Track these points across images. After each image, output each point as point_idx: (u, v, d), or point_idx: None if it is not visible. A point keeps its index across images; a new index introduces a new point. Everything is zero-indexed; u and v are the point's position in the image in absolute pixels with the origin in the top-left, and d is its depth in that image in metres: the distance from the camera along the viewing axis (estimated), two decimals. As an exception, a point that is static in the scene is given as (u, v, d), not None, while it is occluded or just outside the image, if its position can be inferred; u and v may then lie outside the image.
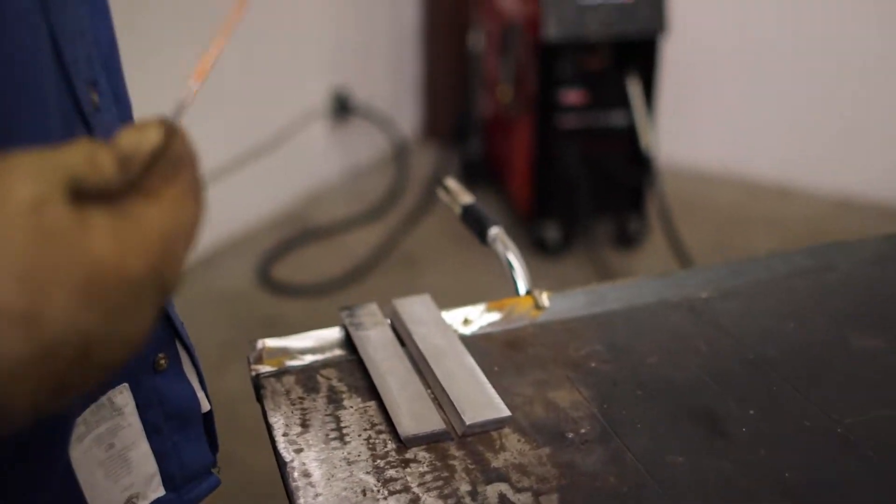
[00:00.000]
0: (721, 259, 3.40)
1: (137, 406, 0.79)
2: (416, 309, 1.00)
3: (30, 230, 0.43)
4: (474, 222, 1.16)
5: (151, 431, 0.81)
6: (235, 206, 3.43)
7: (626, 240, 3.51)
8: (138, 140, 0.49)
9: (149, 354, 0.80)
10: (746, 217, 3.90)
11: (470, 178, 4.02)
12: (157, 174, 0.49)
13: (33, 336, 0.42)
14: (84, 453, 0.75)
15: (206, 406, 0.88)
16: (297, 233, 3.64)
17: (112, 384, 0.77)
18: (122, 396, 0.78)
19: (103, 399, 0.76)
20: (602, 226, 3.60)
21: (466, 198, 1.20)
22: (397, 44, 4.44)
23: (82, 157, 0.47)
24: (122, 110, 0.76)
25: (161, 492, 0.83)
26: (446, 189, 1.24)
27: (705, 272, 1.12)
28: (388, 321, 0.99)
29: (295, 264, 3.46)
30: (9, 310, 0.42)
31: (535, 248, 3.45)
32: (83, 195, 0.45)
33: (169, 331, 0.83)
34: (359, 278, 3.32)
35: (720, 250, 3.57)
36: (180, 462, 0.84)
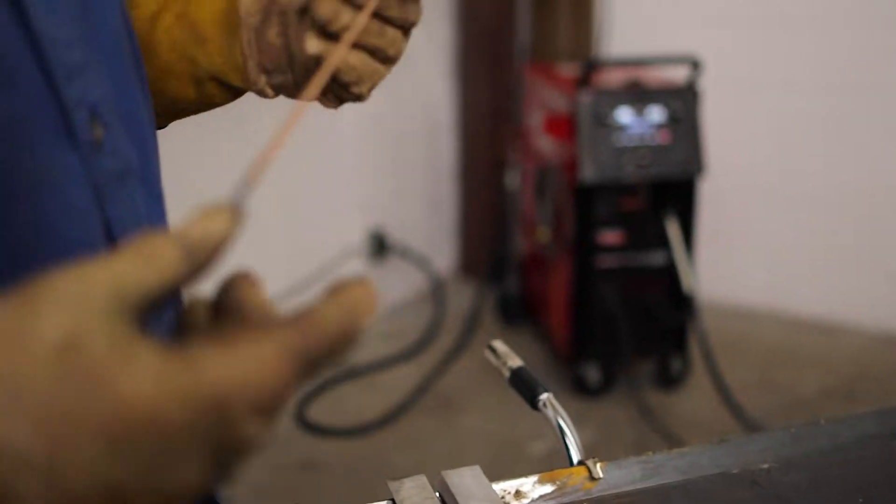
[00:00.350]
0: (765, 398, 3.34)
1: None
2: (466, 482, 0.96)
3: (57, 371, 0.39)
4: (523, 387, 1.14)
5: None
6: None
7: (669, 380, 3.45)
8: (205, 228, 0.45)
9: None
10: (791, 354, 3.83)
11: (507, 316, 4.00)
12: (242, 321, 0.46)
13: (54, 484, 0.39)
14: None
15: None
16: (333, 372, 3.61)
17: None
18: None
19: None
20: (643, 365, 3.55)
21: (515, 361, 1.17)
22: (434, 182, 4.49)
23: (136, 262, 0.42)
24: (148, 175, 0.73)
25: None
26: (494, 351, 1.21)
27: (765, 439, 1.07)
28: (437, 494, 0.95)
29: (332, 404, 3.43)
30: (27, 456, 0.38)
31: (575, 388, 3.40)
32: (136, 309, 0.42)
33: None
34: (396, 419, 3.28)
35: (765, 389, 3.50)
36: None
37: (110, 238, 0.65)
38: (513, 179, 3.99)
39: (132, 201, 0.69)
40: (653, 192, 3.33)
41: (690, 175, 3.24)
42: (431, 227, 4.51)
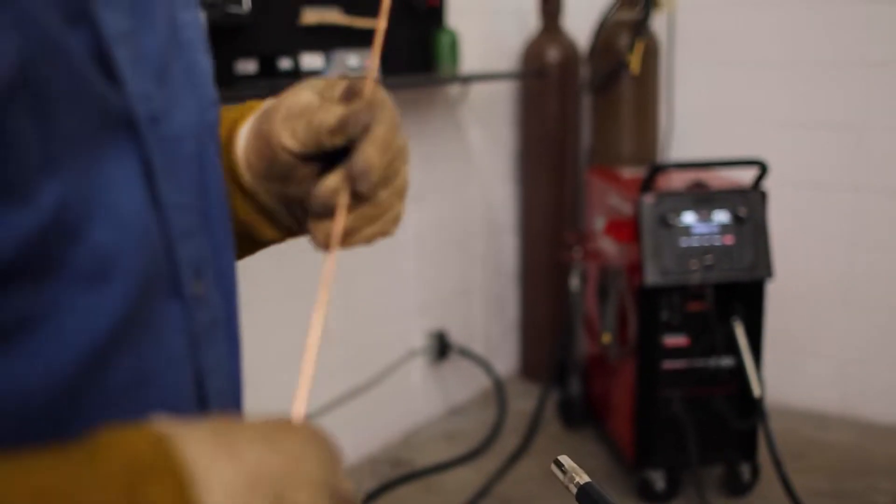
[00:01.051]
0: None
1: None
2: None
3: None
4: (591, 503, 1.11)
5: None
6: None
7: (737, 487, 3.37)
8: None
9: None
10: (864, 461, 3.72)
11: (569, 420, 3.95)
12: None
13: None
14: None
15: None
16: (396, 473, 3.58)
17: None
18: None
19: None
20: (711, 471, 3.47)
21: (583, 477, 1.15)
22: (495, 284, 4.50)
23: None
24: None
25: None
26: (560, 466, 1.19)
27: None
28: None
29: (394, 508, 3.39)
30: None
31: (640, 494, 3.33)
32: None
33: None
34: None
35: (837, 498, 3.39)
36: None
37: (199, 384, 0.70)
38: (576, 281, 3.98)
39: (219, 349, 0.73)
40: (718, 295, 3.28)
41: (757, 278, 3.21)
42: (493, 328, 4.50)
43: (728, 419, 3.30)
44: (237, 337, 0.79)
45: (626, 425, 3.42)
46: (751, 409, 3.22)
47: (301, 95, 0.79)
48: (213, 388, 0.71)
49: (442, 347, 4.04)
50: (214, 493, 0.48)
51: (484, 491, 3.40)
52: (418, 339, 4.00)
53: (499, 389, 4.13)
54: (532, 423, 3.65)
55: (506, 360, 4.53)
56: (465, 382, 4.22)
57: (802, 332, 4.14)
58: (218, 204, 0.76)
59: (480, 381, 4.24)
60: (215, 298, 0.73)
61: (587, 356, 3.97)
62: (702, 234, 3.17)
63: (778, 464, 3.10)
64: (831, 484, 3.49)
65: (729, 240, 3.18)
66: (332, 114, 0.75)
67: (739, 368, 3.21)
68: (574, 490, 1.15)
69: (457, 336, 4.12)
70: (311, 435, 0.56)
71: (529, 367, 4.55)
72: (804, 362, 4.15)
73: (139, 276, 0.61)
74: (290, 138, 0.77)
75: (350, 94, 0.78)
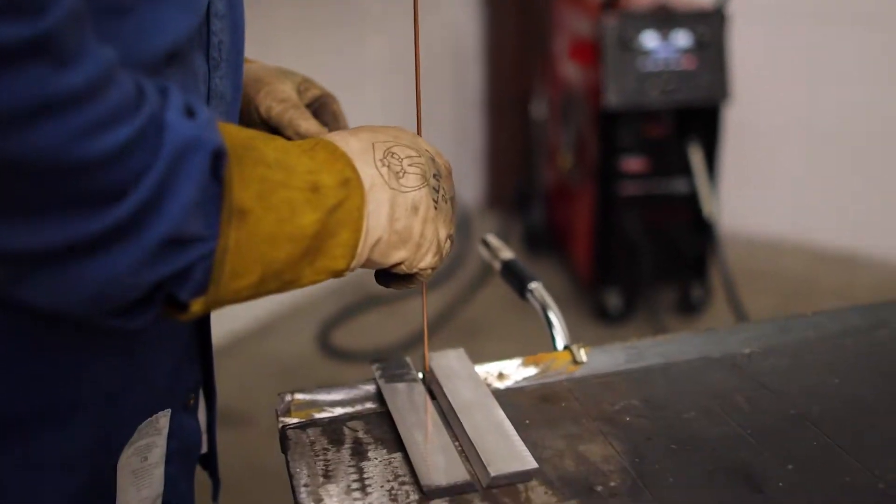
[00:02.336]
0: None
1: (167, 433, 0.86)
2: (450, 363, 0.99)
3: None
4: (514, 278, 1.15)
5: (168, 458, 0.86)
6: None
7: (689, 307, 3.46)
8: None
9: (186, 391, 0.88)
10: (813, 285, 3.81)
11: (532, 246, 4.01)
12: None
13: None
14: (127, 458, 0.81)
15: (204, 448, 0.96)
16: (357, 299, 3.65)
17: (161, 406, 0.84)
18: (164, 420, 0.84)
19: (152, 417, 0.83)
20: (664, 293, 3.55)
21: (506, 254, 1.19)
22: (460, 114, 4.48)
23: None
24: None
25: None
26: (487, 245, 1.23)
27: (750, 329, 1.09)
28: (421, 375, 0.98)
29: (355, 331, 3.47)
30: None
31: (597, 316, 3.42)
32: None
33: (203, 376, 0.92)
34: (417, 347, 3.31)
35: (787, 320, 3.48)
36: (175, 492, 0.89)
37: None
38: (539, 109, 3.98)
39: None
40: (677, 119, 3.30)
41: (715, 101, 3.21)
42: (458, 157, 4.50)
43: (682, 242, 3.36)
44: None
45: (585, 249, 3.49)
46: (704, 232, 3.27)
47: (283, 86, 0.96)
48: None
49: (405, 175, 4.05)
50: (351, 148, 0.73)
51: (447, 316, 3.48)
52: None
53: (463, 218, 4.17)
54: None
55: (471, 189, 4.55)
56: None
57: (761, 162, 4.17)
58: None
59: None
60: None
61: (550, 185, 4.00)
62: (662, 58, 3.15)
63: (729, 285, 3.18)
64: (780, 306, 3.59)
65: (689, 63, 3.17)
66: (306, 123, 0.93)
67: (695, 193, 3.25)
68: (498, 266, 1.18)
69: (421, 165, 4.13)
70: (401, 129, 0.80)
71: (495, 197, 4.58)
72: (761, 191, 4.20)
73: None
74: (264, 111, 0.94)
75: (320, 108, 1.00)
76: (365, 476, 0.81)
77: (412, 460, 0.82)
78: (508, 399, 0.94)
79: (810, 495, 0.78)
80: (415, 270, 0.79)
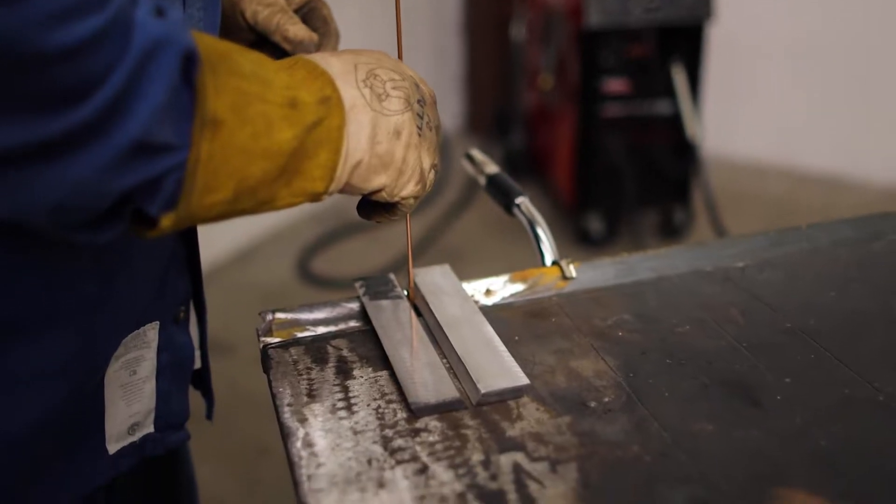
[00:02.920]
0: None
1: (157, 346, 0.85)
2: (435, 279, 0.96)
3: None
4: (499, 193, 1.12)
5: (159, 372, 0.86)
6: (276, 199, 3.42)
7: (671, 230, 3.44)
8: None
9: (175, 304, 0.88)
10: (795, 208, 3.80)
11: (513, 171, 3.96)
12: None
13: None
14: (115, 372, 0.81)
15: (197, 363, 0.96)
16: (337, 226, 3.61)
17: (149, 318, 0.83)
18: (153, 332, 0.84)
19: (141, 329, 0.82)
20: (647, 216, 3.53)
21: (492, 168, 1.16)
22: (439, 36, 4.40)
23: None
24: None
25: (151, 429, 0.88)
26: (472, 160, 1.19)
27: (743, 242, 1.06)
28: (405, 292, 0.95)
29: (335, 258, 3.44)
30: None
31: (579, 240, 3.39)
32: None
33: (193, 288, 0.91)
34: (397, 271, 3.28)
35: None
36: (169, 407, 0.89)
37: None
38: (518, 31, 3.91)
39: None
40: (660, 39, 3.24)
41: (698, 20, 3.16)
42: (437, 81, 4.44)
43: (664, 165, 3.33)
44: None
45: (567, 173, 3.45)
46: (686, 154, 3.24)
47: None
48: None
49: (383, 100, 3.99)
50: (332, 68, 0.70)
51: (428, 241, 3.45)
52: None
53: (442, 142, 4.12)
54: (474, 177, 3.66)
55: (450, 114, 4.49)
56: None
57: (744, 83, 4.13)
58: None
59: (424, 136, 4.22)
60: None
61: (530, 108, 3.95)
62: (645, -25, 3.09)
63: (711, 208, 3.16)
64: (763, 228, 3.56)
65: (672, -19, 3.11)
66: (294, 28, 0.89)
67: (678, 116, 3.21)
68: (483, 181, 1.15)
69: (399, 90, 4.07)
70: (386, 54, 0.78)
71: (474, 121, 4.53)
72: (743, 113, 4.17)
73: None
74: (250, 16, 0.90)
75: (309, 13, 0.95)
76: (350, 395, 0.78)
77: (399, 378, 0.79)
78: (496, 315, 0.91)
79: (808, 408, 0.76)
80: (396, 199, 0.76)
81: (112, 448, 0.84)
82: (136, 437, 0.86)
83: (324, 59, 0.71)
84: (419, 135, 0.75)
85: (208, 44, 0.61)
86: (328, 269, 3.34)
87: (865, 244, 1.06)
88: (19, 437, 0.73)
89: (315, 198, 0.70)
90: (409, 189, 0.76)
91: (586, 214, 3.37)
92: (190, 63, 0.58)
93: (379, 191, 0.74)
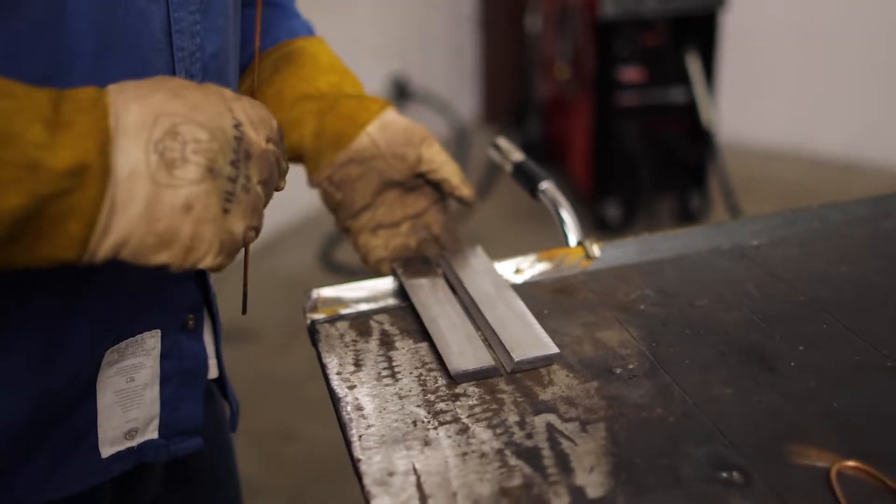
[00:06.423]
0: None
1: (161, 354, 0.87)
2: (467, 259, 1.01)
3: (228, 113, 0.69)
4: (525, 178, 1.17)
5: (164, 380, 0.88)
6: (298, 191, 3.47)
7: (688, 217, 3.49)
8: None
9: (180, 312, 0.88)
10: (811, 193, 3.84)
11: (530, 160, 4.02)
12: None
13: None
14: (109, 378, 0.83)
15: (213, 373, 0.97)
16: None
17: (148, 327, 0.85)
18: (153, 340, 0.86)
19: (137, 337, 0.84)
20: (663, 203, 3.58)
21: (517, 155, 1.21)
22: (455, 28, 4.45)
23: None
24: None
25: (155, 435, 0.89)
26: (497, 148, 1.25)
27: (758, 221, 1.11)
28: (441, 270, 1.00)
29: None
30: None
31: (596, 227, 3.45)
32: None
33: (202, 297, 0.92)
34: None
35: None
36: (177, 415, 0.90)
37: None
38: (534, 22, 3.95)
39: None
40: (674, 28, 3.29)
41: (711, 8, 3.20)
42: (454, 72, 4.50)
43: (680, 151, 3.38)
44: (215, 18, 0.84)
45: (584, 161, 3.50)
46: (702, 140, 3.29)
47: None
48: (180, 43, 0.79)
49: (402, 91, 4.04)
50: (126, 120, 0.62)
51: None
52: (378, 83, 3.99)
53: (460, 133, 4.18)
54: (492, 166, 3.72)
55: (467, 104, 4.55)
56: (427, 127, 4.24)
57: (759, 70, 4.17)
58: None
59: (441, 126, 4.27)
60: None
61: (547, 98, 4.00)
62: (659, -34, 3.14)
63: (727, 194, 3.21)
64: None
65: (686, -29, 3.15)
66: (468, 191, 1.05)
67: (693, 103, 3.26)
68: (510, 168, 1.20)
69: (417, 81, 4.12)
70: (217, 93, 0.68)
71: (491, 111, 4.58)
72: (758, 99, 4.21)
73: None
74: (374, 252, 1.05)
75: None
76: (394, 364, 0.84)
77: (439, 348, 0.85)
78: (526, 291, 0.97)
79: (821, 373, 0.81)
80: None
81: (105, 452, 0.84)
82: (133, 443, 0.87)
83: (125, 105, 0.63)
84: (228, 201, 0.66)
85: None
86: (351, 258, 3.40)
87: (876, 222, 1.12)
88: None
89: (72, 263, 0.63)
90: (206, 262, 0.67)
91: (603, 201, 3.43)
92: None
93: (165, 265, 0.66)
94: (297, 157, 1.04)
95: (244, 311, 0.89)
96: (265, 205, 0.72)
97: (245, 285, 0.86)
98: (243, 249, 0.77)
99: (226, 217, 0.66)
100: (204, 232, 0.65)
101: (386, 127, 1.00)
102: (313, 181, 1.03)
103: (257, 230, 0.71)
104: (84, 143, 0.60)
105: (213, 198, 0.65)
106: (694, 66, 3.23)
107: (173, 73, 0.79)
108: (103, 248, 0.62)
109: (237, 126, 0.68)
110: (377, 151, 1.00)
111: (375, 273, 1.03)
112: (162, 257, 0.64)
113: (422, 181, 1.04)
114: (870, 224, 1.11)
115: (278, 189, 0.74)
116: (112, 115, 0.62)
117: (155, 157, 0.62)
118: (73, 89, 0.63)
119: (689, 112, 3.29)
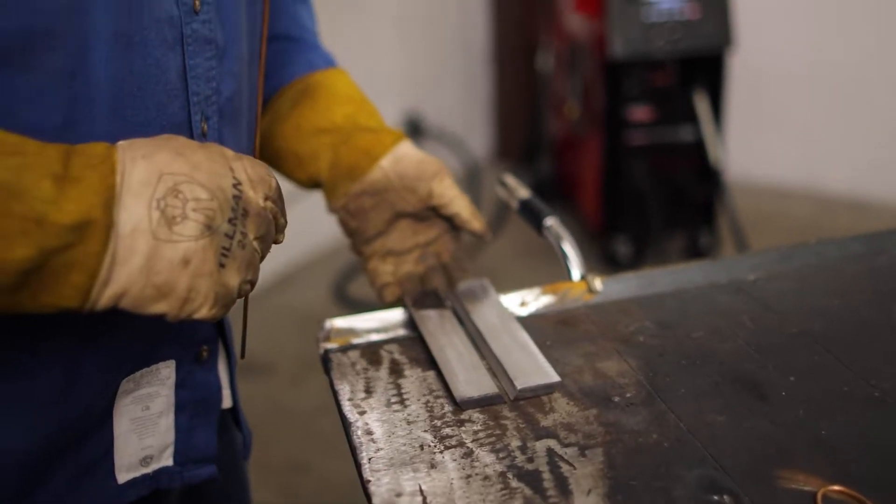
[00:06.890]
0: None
1: (175, 384, 0.90)
2: (474, 291, 1.06)
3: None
4: (530, 215, 1.22)
5: (178, 408, 0.91)
6: (312, 226, 3.53)
7: (697, 254, 3.53)
8: None
9: (194, 344, 0.92)
10: (819, 230, 3.87)
11: (541, 197, 4.03)
12: None
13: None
14: (125, 406, 0.86)
15: (227, 403, 1.01)
16: (371, 252, 3.71)
17: (163, 357, 0.88)
18: (168, 370, 0.89)
19: (153, 367, 0.88)
20: (673, 240, 3.62)
21: (523, 192, 1.26)
22: (468, 67, 4.53)
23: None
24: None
25: (170, 462, 0.92)
26: (504, 185, 1.30)
27: (755, 257, 1.15)
28: (448, 303, 1.05)
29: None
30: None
31: (606, 264, 3.49)
32: None
33: (216, 329, 0.95)
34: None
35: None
36: (191, 443, 0.93)
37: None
38: (545, 61, 4.02)
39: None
40: (682, 67, 3.35)
41: (719, 49, 3.26)
42: (466, 110, 4.56)
43: (689, 190, 3.43)
44: (230, 63, 0.88)
45: (594, 199, 3.55)
46: (711, 179, 3.34)
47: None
48: (196, 88, 0.83)
49: (416, 129, 4.11)
50: (131, 178, 0.66)
51: (457, 264, 3.54)
52: (392, 121, 4.06)
53: (472, 171, 4.23)
54: (503, 203, 3.77)
55: (480, 142, 4.61)
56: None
57: (766, 108, 4.22)
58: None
59: (454, 163, 4.33)
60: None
61: (557, 136, 4.06)
62: (666, 7, 3.19)
63: (736, 232, 3.24)
64: (788, 250, 3.65)
65: (693, 12, 3.21)
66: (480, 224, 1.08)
67: (701, 141, 3.31)
68: (516, 205, 1.25)
69: (431, 119, 4.18)
70: (219, 153, 0.72)
71: (503, 148, 4.64)
72: (766, 137, 4.25)
73: None
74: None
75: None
76: (403, 391, 0.88)
77: (445, 376, 0.89)
78: (530, 323, 1.01)
79: (811, 402, 0.85)
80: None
81: (122, 478, 0.87)
82: (149, 470, 0.90)
83: (132, 162, 0.67)
84: (225, 256, 0.69)
85: None
86: (364, 291, 3.44)
87: (871, 258, 1.16)
88: (7, 462, 0.78)
89: (74, 311, 0.66)
90: (202, 313, 0.70)
91: (613, 238, 3.47)
92: None
93: (162, 315, 0.69)
94: (315, 185, 1.09)
95: (242, 356, 0.93)
96: (262, 259, 0.75)
97: (244, 331, 0.90)
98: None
99: (222, 271, 0.69)
100: (200, 285, 0.68)
101: (399, 160, 1.04)
102: (331, 208, 1.08)
103: (252, 283, 0.74)
104: (90, 199, 0.63)
105: (209, 253, 0.68)
106: (702, 105, 3.28)
107: (189, 116, 0.82)
108: (104, 298, 0.65)
109: (236, 185, 0.71)
110: (389, 184, 1.04)
111: (380, 298, 1.07)
112: (159, 307, 0.68)
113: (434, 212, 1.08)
114: (865, 260, 1.15)
115: (277, 242, 0.78)
116: (119, 172, 0.65)
117: (157, 213, 0.66)
118: (84, 144, 0.67)
119: (698, 150, 3.34)
